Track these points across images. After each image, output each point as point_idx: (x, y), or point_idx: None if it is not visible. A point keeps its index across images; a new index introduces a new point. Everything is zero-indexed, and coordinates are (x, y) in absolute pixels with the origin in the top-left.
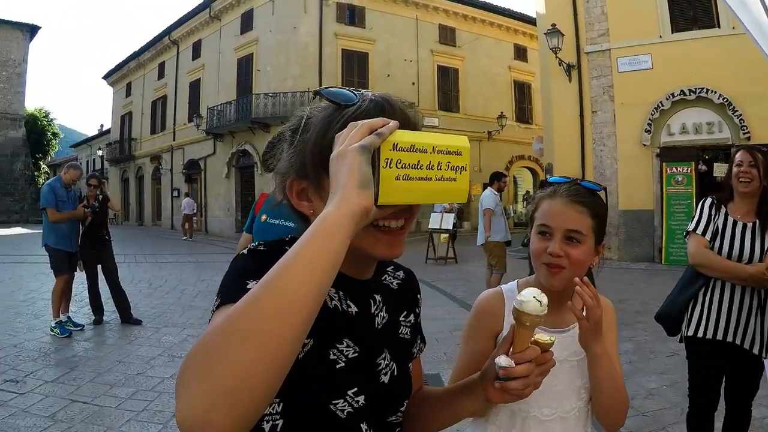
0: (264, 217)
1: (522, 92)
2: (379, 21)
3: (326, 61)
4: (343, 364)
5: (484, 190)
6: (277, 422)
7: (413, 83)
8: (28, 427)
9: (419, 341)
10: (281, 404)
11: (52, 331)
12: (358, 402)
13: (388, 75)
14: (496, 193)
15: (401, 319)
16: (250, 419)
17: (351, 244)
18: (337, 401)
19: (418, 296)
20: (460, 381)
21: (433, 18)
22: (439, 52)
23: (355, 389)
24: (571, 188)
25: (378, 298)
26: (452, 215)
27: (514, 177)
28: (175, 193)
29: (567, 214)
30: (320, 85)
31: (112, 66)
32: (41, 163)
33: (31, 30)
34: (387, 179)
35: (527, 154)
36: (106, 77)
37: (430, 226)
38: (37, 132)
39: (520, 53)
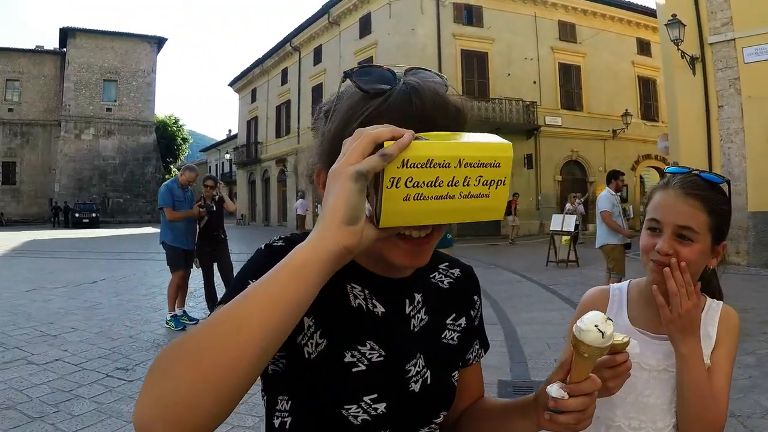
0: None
1: (647, 88)
2: (497, 20)
3: (445, 62)
4: (363, 368)
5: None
6: (285, 419)
7: (534, 82)
8: (130, 412)
9: (477, 347)
10: (289, 402)
11: (167, 324)
12: (377, 410)
13: (509, 74)
14: (614, 193)
15: (448, 322)
16: (198, 428)
17: (370, 249)
18: (349, 407)
19: (475, 297)
20: (519, 399)
21: (552, 14)
22: (559, 49)
23: (375, 396)
24: (687, 179)
25: (418, 297)
26: (574, 217)
27: (641, 177)
28: (300, 195)
29: (678, 208)
30: None
31: (237, 73)
32: (172, 166)
33: (158, 42)
34: (392, 200)
35: (654, 153)
36: (231, 84)
37: (551, 228)
38: (168, 137)
39: (644, 47)
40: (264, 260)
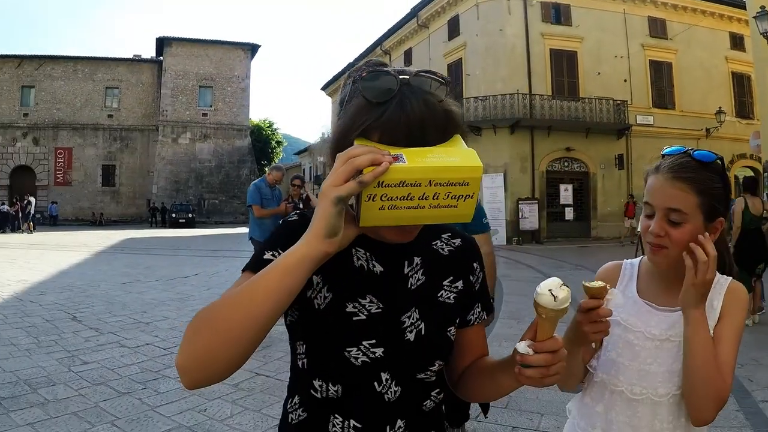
0: None
1: (741, 85)
2: (586, 17)
3: (534, 62)
4: (363, 317)
5: None
6: (303, 360)
7: (625, 80)
8: (212, 391)
9: (479, 310)
10: (304, 345)
11: None
12: (375, 353)
13: (599, 73)
14: None
15: (445, 283)
16: (214, 376)
17: (367, 229)
18: (351, 349)
19: (475, 264)
20: (504, 357)
21: (641, 11)
22: (650, 46)
23: (373, 341)
24: (676, 162)
25: (417, 260)
26: None
27: (736, 177)
28: None
29: (667, 191)
30: (530, 87)
31: (329, 78)
32: (266, 169)
33: (252, 49)
34: (369, 210)
35: (749, 152)
36: (323, 88)
37: (638, 229)
38: (263, 141)
39: (737, 42)
40: (281, 234)
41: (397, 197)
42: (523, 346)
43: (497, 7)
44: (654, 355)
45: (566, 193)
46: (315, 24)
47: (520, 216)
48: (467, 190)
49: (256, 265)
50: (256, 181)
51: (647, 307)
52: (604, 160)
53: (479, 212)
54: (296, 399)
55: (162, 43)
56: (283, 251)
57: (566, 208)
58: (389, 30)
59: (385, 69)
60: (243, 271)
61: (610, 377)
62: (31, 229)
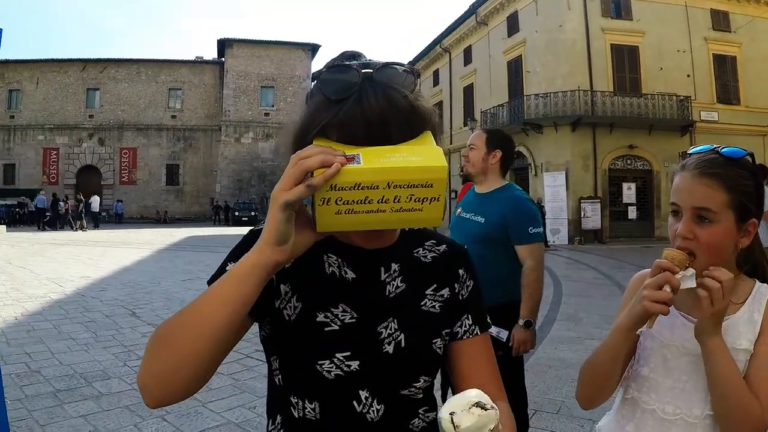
0: (459, 210)
1: None
2: (647, 11)
3: (595, 58)
4: (336, 327)
5: None
6: (278, 376)
7: (688, 75)
8: (263, 388)
9: (468, 323)
10: (278, 360)
11: None
12: (350, 366)
13: (661, 68)
14: None
15: (428, 292)
16: (178, 394)
17: (339, 235)
18: (322, 362)
19: (461, 271)
20: None
21: (703, 3)
22: (713, 40)
23: (348, 353)
24: (703, 159)
25: (394, 267)
26: None
27: None
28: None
29: (693, 189)
30: (591, 83)
31: None
32: None
33: (312, 49)
34: (324, 215)
35: None
36: None
37: None
38: None
39: None
40: (247, 244)
41: (353, 201)
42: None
43: (556, 2)
44: (689, 371)
45: (629, 191)
46: (374, 22)
47: (582, 215)
48: (432, 192)
49: (218, 276)
50: None
51: (682, 319)
52: (667, 158)
53: (527, 220)
54: (278, 419)
55: (223, 45)
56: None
57: (629, 207)
58: (448, 28)
59: (347, 63)
60: (208, 283)
61: (642, 395)
62: (84, 227)
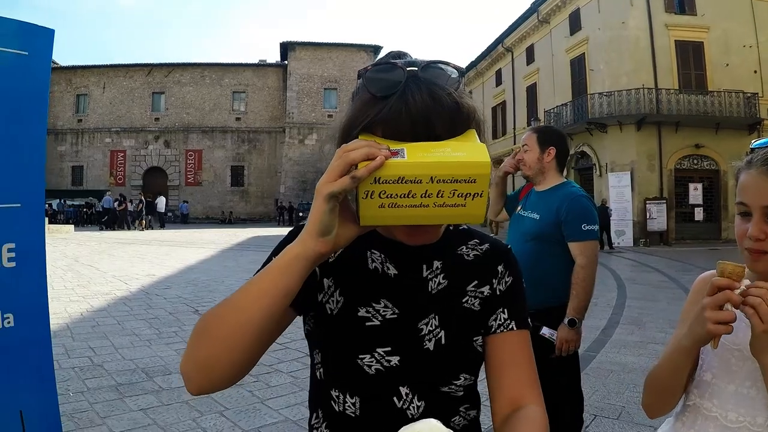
0: (519, 208)
1: None
2: (711, 6)
3: (659, 55)
4: (377, 323)
5: None
6: (320, 370)
7: (755, 71)
8: None
9: (503, 315)
10: (320, 354)
11: None
12: (390, 362)
13: (726, 64)
14: None
15: (469, 288)
16: (219, 383)
17: (382, 230)
18: (363, 356)
19: (500, 268)
20: None
21: None
22: None
23: (388, 348)
24: None
25: (437, 264)
26: None
27: None
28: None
29: (762, 186)
30: (655, 81)
31: None
32: None
33: (374, 50)
34: (368, 208)
35: None
36: None
37: None
38: None
39: None
40: (291, 239)
41: (397, 195)
42: None
43: None
44: (753, 377)
45: (695, 192)
46: (435, 23)
47: (647, 216)
48: (475, 187)
49: (260, 269)
50: None
51: (747, 321)
52: (734, 157)
53: (580, 216)
54: (320, 413)
55: (286, 48)
56: None
57: (695, 209)
58: (510, 27)
59: (393, 61)
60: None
61: (704, 401)
62: (144, 226)
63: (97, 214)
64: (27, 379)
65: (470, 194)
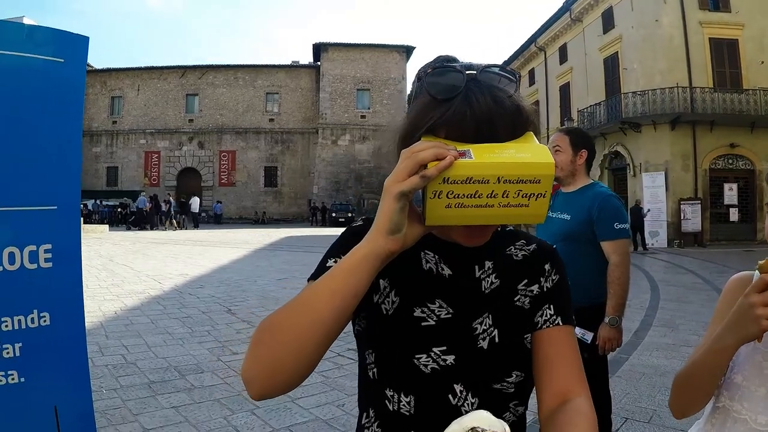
0: None
1: None
2: (746, 2)
3: (693, 53)
4: (432, 323)
5: None
6: (372, 370)
7: None
8: (353, 387)
9: (549, 311)
10: (373, 354)
11: None
12: (446, 361)
13: (762, 62)
14: None
15: (520, 287)
16: (282, 386)
17: (438, 230)
18: (420, 356)
19: (547, 267)
20: None
21: None
22: None
23: (444, 348)
24: None
25: (488, 264)
26: None
27: None
28: None
29: None
30: (689, 79)
31: None
32: None
33: (407, 51)
34: (435, 208)
35: None
36: None
37: None
38: None
39: None
40: (346, 241)
41: (464, 195)
42: None
43: None
44: None
45: (731, 192)
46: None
47: (681, 217)
48: (539, 188)
49: (319, 273)
50: None
51: None
52: None
53: (612, 215)
54: (371, 413)
55: (319, 49)
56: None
57: (730, 209)
58: (542, 26)
59: (452, 65)
60: (308, 280)
61: (734, 403)
62: (174, 227)
63: (131, 215)
64: (62, 376)
65: (534, 194)
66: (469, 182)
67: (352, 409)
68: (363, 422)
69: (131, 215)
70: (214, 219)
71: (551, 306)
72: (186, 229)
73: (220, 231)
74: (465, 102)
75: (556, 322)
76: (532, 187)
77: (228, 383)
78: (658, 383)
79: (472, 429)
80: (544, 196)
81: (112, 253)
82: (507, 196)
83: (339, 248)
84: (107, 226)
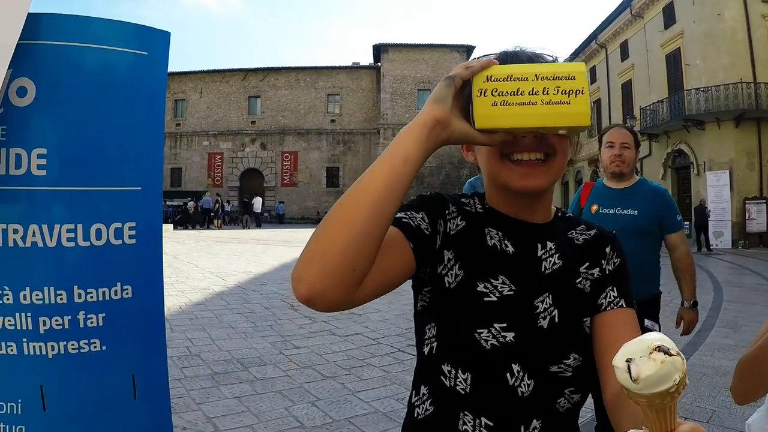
0: (595, 207)
1: None
2: None
3: (756, 47)
4: (494, 299)
5: None
6: (432, 345)
7: None
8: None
9: (613, 293)
10: (435, 328)
11: None
12: (505, 338)
13: None
14: None
15: (582, 269)
16: (330, 279)
17: (495, 180)
18: (481, 330)
19: (608, 250)
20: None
21: None
22: None
23: (504, 324)
24: None
25: (550, 244)
26: None
27: None
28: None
29: None
30: (754, 75)
31: None
32: None
33: (467, 50)
34: (482, 106)
35: None
36: None
37: None
38: None
39: None
40: (413, 202)
41: (507, 92)
42: None
43: None
44: None
45: None
46: (527, 21)
47: (746, 217)
48: (576, 84)
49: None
50: (471, 179)
51: None
52: None
53: (674, 208)
54: (423, 390)
55: (379, 50)
56: (416, 213)
57: None
58: (603, 22)
59: (508, 51)
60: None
61: None
62: (219, 225)
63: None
64: (140, 346)
65: (572, 91)
66: (510, 80)
67: None
68: (413, 400)
69: (207, 215)
70: (277, 219)
71: (614, 288)
72: (248, 228)
73: (282, 230)
74: (505, 54)
75: (620, 304)
76: (568, 83)
77: (290, 375)
78: (719, 384)
79: (657, 347)
80: (582, 93)
81: (176, 250)
82: (547, 93)
83: (408, 206)
84: (171, 225)
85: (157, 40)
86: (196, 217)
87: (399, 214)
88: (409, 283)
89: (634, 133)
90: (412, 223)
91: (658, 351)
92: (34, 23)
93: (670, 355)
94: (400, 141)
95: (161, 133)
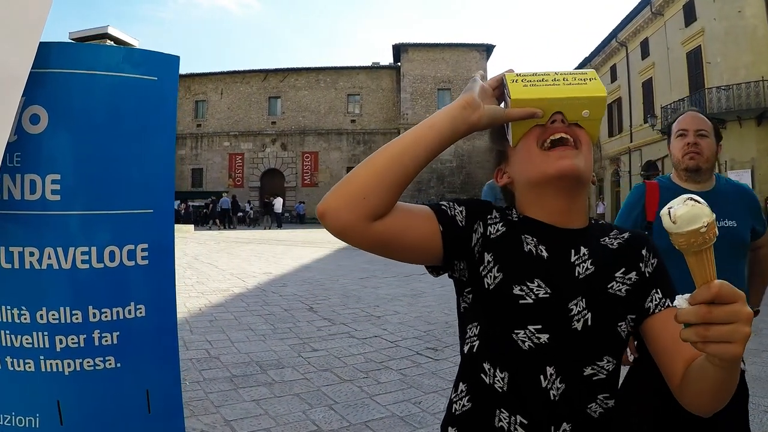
0: None
1: None
2: None
3: None
4: (530, 301)
5: None
6: (474, 343)
7: None
8: (429, 385)
9: (658, 295)
10: (478, 327)
11: None
12: (540, 339)
13: None
14: None
15: (617, 275)
16: (344, 198)
17: (533, 179)
18: (518, 331)
19: (644, 252)
20: None
21: None
22: None
23: (539, 326)
24: None
25: (584, 250)
26: None
27: None
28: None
29: None
30: None
31: None
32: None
33: (487, 49)
34: (515, 87)
35: None
36: None
37: None
38: None
39: None
40: (456, 201)
41: (534, 81)
42: (679, 299)
43: None
44: None
45: None
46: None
47: None
48: (588, 75)
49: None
50: (490, 181)
51: None
52: None
53: (759, 206)
54: (462, 387)
55: (399, 50)
56: (457, 206)
57: None
58: (623, 20)
59: None
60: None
61: None
62: (219, 225)
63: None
64: (154, 363)
65: (587, 79)
66: (535, 75)
67: (428, 407)
68: (452, 397)
69: (227, 215)
70: (297, 219)
71: (658, 290)
72: (269, 228)
73: (302, 231)
74: None
75: (667, 304)
76: (582, 75)
77: (308, 378)
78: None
79: (690, 197)
80: (594, 79)
81: (197, 251)
82: (567, 80)
83: (449, 200)
84: (192, 225)
85: (166, 65)
86: (214, 215)
87: (441, 203)
88: (429, 286)
89: (714, 123)
90: (449, 212)
91: (690, 200)
92: (46, 52)
93: (700, 203)
94: (432, 115)
95: (172, 156)
